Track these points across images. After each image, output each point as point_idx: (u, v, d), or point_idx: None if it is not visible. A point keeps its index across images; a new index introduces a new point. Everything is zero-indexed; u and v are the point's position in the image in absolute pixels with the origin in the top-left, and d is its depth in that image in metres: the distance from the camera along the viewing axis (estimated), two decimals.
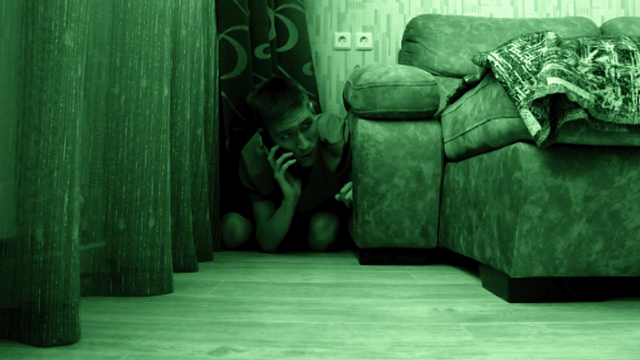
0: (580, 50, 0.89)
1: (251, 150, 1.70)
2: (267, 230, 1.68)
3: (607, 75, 0.84)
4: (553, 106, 0.85)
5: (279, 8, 2.01)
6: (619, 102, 0.83)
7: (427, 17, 1.99)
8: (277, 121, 1.50)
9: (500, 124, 0.96)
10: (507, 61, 0.93)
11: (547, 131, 0.83)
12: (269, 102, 1.49)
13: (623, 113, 0.83)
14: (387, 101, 1.39)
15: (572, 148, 0.89)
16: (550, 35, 0.93)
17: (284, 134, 1.52)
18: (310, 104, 1.60)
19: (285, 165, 1.55)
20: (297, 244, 1.96)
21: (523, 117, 0.86)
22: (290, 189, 1.60)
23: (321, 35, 2.27)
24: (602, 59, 0.86)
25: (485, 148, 1.09)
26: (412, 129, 1.41)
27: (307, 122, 1.53)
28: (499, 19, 2.00)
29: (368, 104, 1.40)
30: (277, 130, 1.52)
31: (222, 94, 1.80)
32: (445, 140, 1.37)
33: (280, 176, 1.57)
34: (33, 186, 0.68)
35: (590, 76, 0.84)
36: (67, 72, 0.69)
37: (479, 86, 1.07)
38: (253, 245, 1.89)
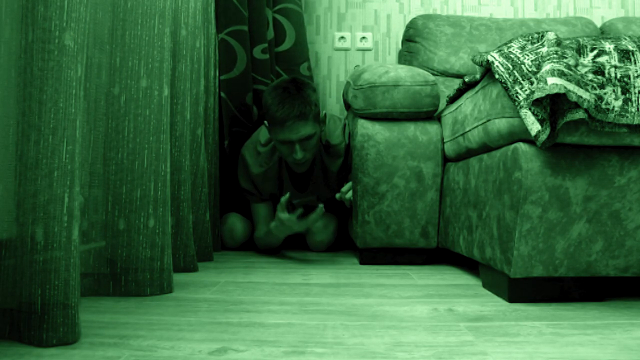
0: (580, 50, 0.89)
1: (252, 148, 1.68)
2: (261, 241, 1.66)
3: (607, 75, 0.84)
4: (553, 106, 0.85)
5: (277, 8, 2.01)
6: (619, 102, 0.83)
7: (427, 17, 1.99)
8: (278, 127, 1.45)
9: (500, 124, 0.96)
10: (507, 61, 0.93)
11: (547, 131, 0.83)
12: (277, 104, 1.44)
13: (623, 113, 0.83)
14: (387, 101, 1.39)
15: (572, 148, 0.89)
16: (550, 35, 0.93)
17: (283, 141, 1.49)
18: (321, 114, 1.55)
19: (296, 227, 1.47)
20: (297, 243, 1.96)
21: (523, 117, 0.86)
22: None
23: (321, 35, 2.27)
24: (602, 59, 0.86)
25: (485, 148, 1.09)
26: (412, 129, 1.41)
27: (308, 137, 1.48)
28: (499, 19, 2.00)
29: (368, 104, 1.40)
30: (277, 136, 1.49)
31: (222, 94, 1.80)
32: (445, 140, 1.37)
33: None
34: (33, 186, 0.68)
35: (590, 76, 0.84)
36: (67, 72, 0.69)
37: (479, 86, 1.07)
38: (253, 245, 1.89)
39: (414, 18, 2.02)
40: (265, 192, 1.69)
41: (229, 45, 1.80)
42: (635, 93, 0.84)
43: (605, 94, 0.83)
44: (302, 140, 1.48)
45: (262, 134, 1.68)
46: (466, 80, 1.14)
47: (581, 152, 0.89)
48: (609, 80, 0.84)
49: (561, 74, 0.81)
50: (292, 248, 1.88)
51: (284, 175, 1.68)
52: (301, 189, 1.72)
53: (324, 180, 1.71)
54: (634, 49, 0.87)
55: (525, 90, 0.87)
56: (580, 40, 0.91)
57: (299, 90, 1.46)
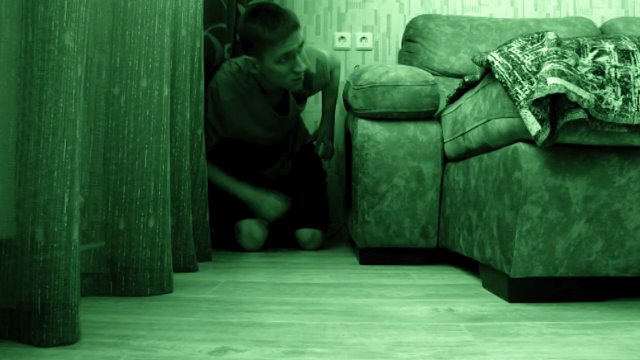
0: (580, 50, 0.89)
1: (226, 75, 1.64)
2: (213, 178, 1.75)
3: (607, 75, 0.84)
4: (553, 106, 0.85)
5: (251, 2, 1.98)
6: (619, 102, 0.83)
7: (427, 17, 1.99)
8: (278, 44, 1.47)
9: (500, 124, 0.96)
10: (507, 61, 0.93)
11: (547, 131, 0.83)
12: (271, 24, 1.46)
13: (623, 113, 0.83)
14: (387, 101, 1.39)
15: (572, 148, 0.89)
16: (550, 35, 0.93)
17: (282, 58, 1.50)
18: None
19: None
20: (289, 242, 1.95)
21: (523, 117, 0.86)
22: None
23: (321, 35, 2.27)
24: (602, 59, 0.86)
25: (485, 148, 1.09)
26: (412, 129, 1.41)
27: (303, 44, 1.53)
28: (499, 19, 2.00)
29: (368, 104, 1.40)
30: (277, 54, 1.49)
31: None
32: (445, 140, 1.37)
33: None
34: (33, 186, 0.68)
35: (590, 76, 0.84)
36: (67, 72, 0.69)
37: (479, 86, 1.07)
38: (273, 244, 1.88)
39: (414, 18, 2.02)
40: (230, 128, 1.68)
41: (210, 42, 1.79)
42: (635, 93, 0.84)
43: (605, 94, 0.83)
44: (299, 50, 1.52)
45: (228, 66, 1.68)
46: (466, 80, 1.14)
47: (581, 152, 0.89)
48: (609, 80, 0.84)
49: (561, 74, 0.81)
50: (286, 246, 1.88)
51: (261, 103, 1.68)
52: (282, 112, 1.76)
53: (294, 114, 1.78)
54: (634, 49, 0.87)
55: (525, 90, 0.87)
56: (580, 40, 0.91)
57: (278, 7, 1.51)
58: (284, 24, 1.47)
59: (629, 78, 0.84)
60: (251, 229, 1.72)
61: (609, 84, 0.84)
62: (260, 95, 1.67)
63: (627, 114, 0.83)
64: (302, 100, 1.81)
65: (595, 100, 0.83)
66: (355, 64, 2.27)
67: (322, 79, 1.78)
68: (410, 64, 1.97)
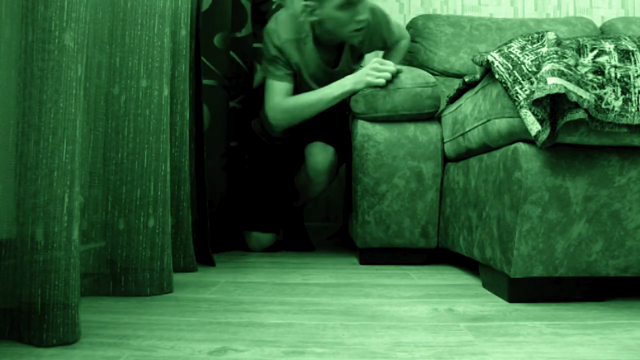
0: (580, 50, 0.89)
1: (284, 16, 1.57)
2: (300, 105, 1.56)
3: (607, 75, 0.84)
4: (553, 106, 0.85)
5: None
6: (619, 102, 0.83)
7: (427, 17, 1.99)
8: None
9: (500, 124, 0.96)
10: (507, 61, 0.93)
11: (547, 131, 0.83)
12: None
13: (623, 113, 0.83)
14: (388, 105, 1.38)
15: (572, 148, 0.89)
16: (550, 35, 0.93)
17: (344, 4, 1.44)
18: None
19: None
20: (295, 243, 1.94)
21: (523, 117, 0.86)
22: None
23: None
24: (602, 59, 0.86)
25: (485, 148, 1.09)
26: (412, 129, 1.41)
27: None
28: (499, 19, 2.00)
29: (369, 107, 1.40)
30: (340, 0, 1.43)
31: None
32: (445, 141, 1.37)
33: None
34: (33, 186, 0.68)
35: (590, 76, 0.84)
36: (67, 72, 0.69)
37: (479, 86, 1.07)
38: (276, 248, 1.87)
39: (414, 18, 2.02)
40: (292, 60, 1.59)
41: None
42: (635, 93, 0.84)
43: (605, 94, 0.83)
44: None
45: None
46: (466, 80, 1.14)
47: (581, 152, 0.89)
48: (609, 80, 0.84)
49: (561, 74, 0.81)
50: (291, 249, 1.88)
51: (313, 53, 1.62)
52: (333, 65, 1.69)
53: (348, 67, 1.70)
54: (634, 49, 0.87)
55: (525, 90, 0.87)
56: (580, 40, 0.91)
57: None
58: None
59: (629, 78, 0.84)
60: (259, 237, 1.74)
61: (609, 84, 0.84)
62: (313, 46, 1.60)
63: (627, 114, 0.83)
64: (358, 58, 1.73)
65: (595, 100, 0.83)
66: None
67: (378, 34, 1.68)
68: (410, 63, 1.97)
